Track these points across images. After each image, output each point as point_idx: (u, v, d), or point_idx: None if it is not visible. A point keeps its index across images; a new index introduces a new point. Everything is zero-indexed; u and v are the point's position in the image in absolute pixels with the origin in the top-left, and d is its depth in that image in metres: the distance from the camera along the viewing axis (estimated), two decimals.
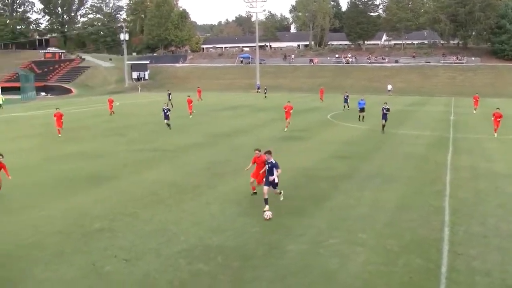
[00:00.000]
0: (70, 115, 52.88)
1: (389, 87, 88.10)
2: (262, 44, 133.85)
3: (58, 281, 11.43)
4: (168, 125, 37.76)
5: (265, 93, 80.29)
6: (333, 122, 41.87)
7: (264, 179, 16.66)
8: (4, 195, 19.12)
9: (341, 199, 17.94)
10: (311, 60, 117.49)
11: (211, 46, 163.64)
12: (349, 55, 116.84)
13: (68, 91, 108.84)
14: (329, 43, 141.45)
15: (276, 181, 16.23)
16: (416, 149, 28.56)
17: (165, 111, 38.51)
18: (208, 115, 49.58)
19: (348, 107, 52.89)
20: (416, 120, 44.61)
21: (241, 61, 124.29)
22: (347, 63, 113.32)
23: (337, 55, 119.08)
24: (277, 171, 16.12)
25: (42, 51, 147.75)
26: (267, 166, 16.34)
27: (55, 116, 35.81)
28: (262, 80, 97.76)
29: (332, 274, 11.50)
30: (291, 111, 37.02)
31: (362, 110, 41.76)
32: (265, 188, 16.22)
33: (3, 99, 68.91)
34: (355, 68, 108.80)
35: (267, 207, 15.85)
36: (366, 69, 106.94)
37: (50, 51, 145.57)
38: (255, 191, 18.13)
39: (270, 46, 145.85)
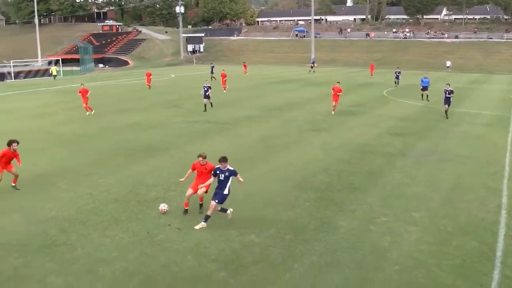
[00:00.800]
0: (127, 86, 54.03)
1: (448, 63, 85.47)
2: (318, 17, 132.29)
3: (114, 246, 11.89)
4: (205, 105, 33.85)
5: (311, 67, 78.18)
6: (389, 98, 41.23)
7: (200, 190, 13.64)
8: (64, 163, 19.86)
9: (395, 177, 17.77)
10: (367, 35, 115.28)
11: (266, 19, 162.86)
12: (407, 30, 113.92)
13: (125, 63, 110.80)
14: (386, 17, 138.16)
15: (226, 192, 13.19)
16: (474, 129, 27.80)
17: (206, 89, 34.06)
18: (262, 88, 49.64)
19: (398, 84, 51.58)
20: (475, 98, 43.24)
21: (296, 35, 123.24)
22: (404, 38, 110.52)
23: (394, 30, 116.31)
24: (239, 179, 13.42)
25: (100, 24, 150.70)
26: (218, 176, 13.21)
27: (79, 92, 33.55)
28: (317, 54, 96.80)
29: (383, 252, 11.49)
30: (339, 94, 32.28)
31: (425, 88, 39.16)
32: (213, 203, 12.94)
33: (57, 70, 70.63)
34: (413, 43, 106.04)
35: (203, 224, 12.98)
36: (424, 45, 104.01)
37: (108, 24, 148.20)
38: (201, 203, 14.20)
39: (326, 19, 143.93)
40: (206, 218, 13.02)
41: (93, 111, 32.73)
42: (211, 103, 34.55)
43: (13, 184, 16.51)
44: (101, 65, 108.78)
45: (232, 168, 13.30)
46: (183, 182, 14.55)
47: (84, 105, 33.12)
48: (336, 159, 19.98)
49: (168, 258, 11.27)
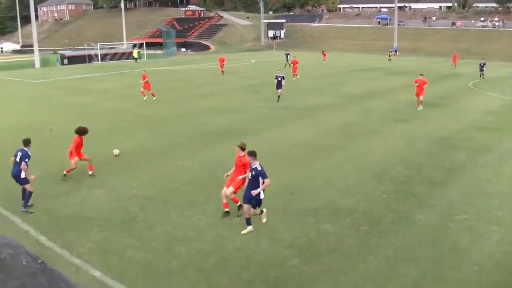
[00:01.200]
0: (208, 70, 54.88)
1: None
2: (401, 5, 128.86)
3: (191, 226, 12.25)
4: (279, 96, 32.34)
5: (390, 56, 75.61)
6: (474, 90, 39.69)
7: (242, 190, 12.61)
8: (146, 144, 20.52)
9: (478, 172, 17.13)
10: (453, 23, 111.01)
11: (348, 6, 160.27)
12: (496, 19, 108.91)
13: (207, 47, 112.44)
14: (473, 5, 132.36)
15: (261, 196, 11.93)
16: None
17: (279, 79, 32.56)
18: (343, 76, 49.10)
19: (483, 76, 48.05)
20: None
21: (379, 22, 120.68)
22: (493, 27, 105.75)
23: (482, 19, 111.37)
24: (263, 183, 11.76)
25: (183, 8, 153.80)
26: (250, 173, 12.01)
27: (143, 78, 33.28)
28: (400, 42, 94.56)
29: (462, 250, 11.13)
30: (424, 86, 29.49)
31: None
32: (245, 206, 11.96)
33: (139, 53, 72.40)
34: (502, 33, 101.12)
35: (250, 228, 11.99)
36: None
37: (191, 8, 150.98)
38: (238, 204, 13.03)
39: (410, 7, 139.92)
40: (248, 222, 12.00)
41: (155, 97, 32.97)
42: (279, 96, 32.64)
43: (90, 172, 16.45)
44: (183, 49, 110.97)
45: (260, 169, 11.72)
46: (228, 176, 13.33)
47: (143, 90, 33.05)
48: (417, 152, 19.52)
49: (243, 241, 11.45)
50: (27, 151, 13.32)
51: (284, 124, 24.91)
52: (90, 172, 16.41)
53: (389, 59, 72.46)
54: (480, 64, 48.71)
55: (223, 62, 50.41)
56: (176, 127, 24.21)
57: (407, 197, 14.32)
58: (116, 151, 18.30)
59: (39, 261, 2.97)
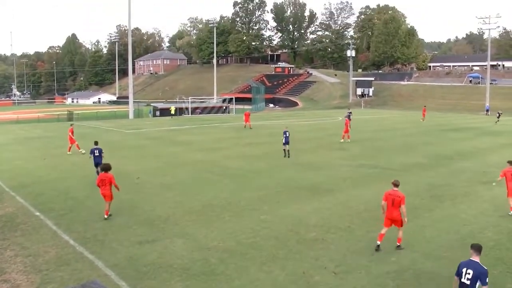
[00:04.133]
0: (295, 127, 55.32)
1: None
2: (494, 63, 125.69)
3: (269, 282, 12.10)
4: (285, 150, 32.27)
5: (498, 117, 70.03)
6: None
7: None
8: (230, 196, 20.76)
9: None
10: None
11: (438, 64, 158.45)
12: None
13: (295, 104, 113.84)
14: None
15: None
16: None
17: (287, 134, 32.34)
18: (433, 135, 47.99)
19: None
20: None
21: (470, 81, 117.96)
22: None
23: None
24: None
25: (273, 65, 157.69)
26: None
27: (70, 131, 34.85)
28: (493, 102, 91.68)
29: None
30: None
31: None
32: None
33: (174, 109, 72.80)
34: None
35: None
36: None
37: (280, 65, 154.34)
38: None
39: (503, 65, 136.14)
40: None
41: (81, 150, 33.28)
42: (288, 151, 32.37)
43: (105, 216, 17.43)
44: (271, 105, 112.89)
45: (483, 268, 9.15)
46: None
47: (71, 144, 34.21)
48: (508, 216, 18.56)
49: None
50: None
51: (370, 182, 24.47)
52: (106, 216, 17.32)
53: (496, 122, 66.77)
54: None
55: (249, 116, 51.74)
56: (261, 181, 24.43)
57: (497, 263, 13.56)
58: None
59: None
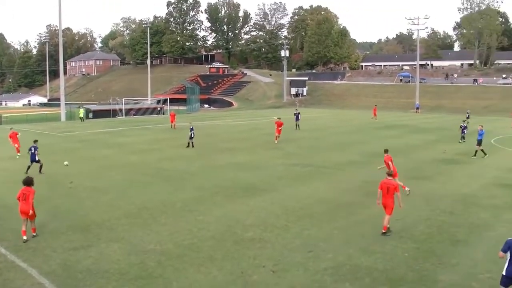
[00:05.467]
0: (231, 127, 55.34)
1: None
2: (423, 62, 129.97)
3: (207, 284, 12.03)
4: (189, 143, 36.64)
5: (467, 118, 62.44)
6: (496, 147, 39.32)
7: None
8: (166, 198, 20.55)
9: (502, 231, 16.64)
10: (475, 80, 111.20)
11: (370, 64, 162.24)
12: None
13: (230, 104, 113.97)
14: (495, 62, 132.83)
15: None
16: None
17: (191, 133, 36.66)
18: (365, 133, 49.08)
19: (464, 139, 41.45)
20: None
21: (401, 80, 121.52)
22: None
23: (504, 75, 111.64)
24: None
25: (207, 66, 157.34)
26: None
27: (10, 137, 34.04)
28: (422, 100, 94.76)
29: None
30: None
31: None
32: None
33: (83, 112, 71.29)
34: None
35: None
36: None
37: (215, 66, 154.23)
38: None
39: (432, 64, 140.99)
40: None
41: (19, 153, 32.58)
42: (193, 143, 36.86)
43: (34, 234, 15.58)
44: (206, 105, 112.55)
45: None
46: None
47: (16, 146, 33.24)
48: (438, 210, 19.20)
49: None
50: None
51: (306, 181, 24.79)
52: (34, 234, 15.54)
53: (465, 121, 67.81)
54: (461, 126, 42.95)
55: (174, 117, 53.26)
56: (196, 182, 24.28)
57: (429, 256, 14.00)
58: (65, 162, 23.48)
59: None
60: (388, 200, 15.54)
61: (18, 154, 32.49)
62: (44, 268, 12.87)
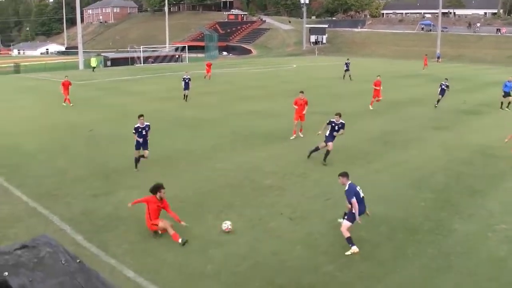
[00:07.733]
0: (249, 75, 55.09)
1: None
2: (446, 11, 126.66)
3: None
4: (185, 95, 34.53)
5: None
6: None
7: None
8: (186, 146, 20.75)
9: None
10: (498, 30, 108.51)
11: (391, 11, 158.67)
12: None
13: (248, 51, 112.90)
14: None
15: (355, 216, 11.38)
16: None
17: (186, 80, 34.55)
18: (385, 82, 48.42)
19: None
20: None
21: (422, 28, 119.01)
22: None
23: None
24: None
25: (226, 12, 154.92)
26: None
27: (62, 84, 33.32)
28: (443, 49, 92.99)
29: (500, 261, 10.89)
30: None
31: None
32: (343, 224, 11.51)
33: (96, 62, 69.42)
34: None
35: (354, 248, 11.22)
36: None
37: (234, 13, 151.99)
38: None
39: (454, 13, 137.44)
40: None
41: (71, 104, 32.63)
42: (187, 96, 34.62)
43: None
44: (225, 53, 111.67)
45: (346, 189, 11.62)
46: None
47: (65, 96, 32.80)
48: (457, 160, 19.18)
49: (278, 246, 11.47)
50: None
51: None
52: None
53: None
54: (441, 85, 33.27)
55: (210, 67, 50.53)
56: (216, 129, 24.48)
57: (445, 205, 14.09)
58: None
59: (78, 261, 3.05)
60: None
61: (64, 103, 32.55)
62: (65, 215, 13.20)
